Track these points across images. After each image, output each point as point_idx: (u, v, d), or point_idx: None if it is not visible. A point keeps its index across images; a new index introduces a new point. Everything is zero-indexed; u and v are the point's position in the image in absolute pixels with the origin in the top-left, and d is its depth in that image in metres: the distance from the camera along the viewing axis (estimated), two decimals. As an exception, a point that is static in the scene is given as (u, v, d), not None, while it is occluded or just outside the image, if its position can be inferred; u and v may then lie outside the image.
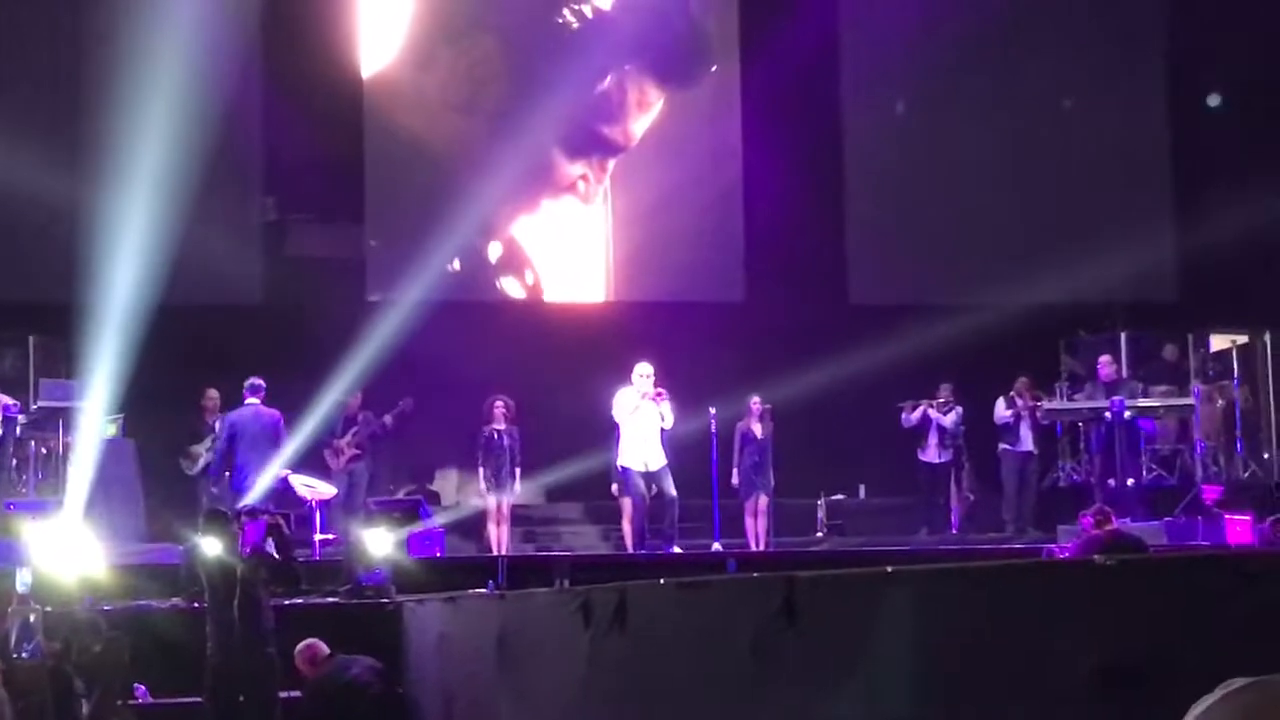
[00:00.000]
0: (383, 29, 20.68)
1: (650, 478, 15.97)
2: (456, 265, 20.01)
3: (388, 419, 17.52)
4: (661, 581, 7.09)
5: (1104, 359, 17.82)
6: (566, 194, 20.83)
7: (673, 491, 15.95)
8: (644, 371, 16.03)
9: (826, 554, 16.49)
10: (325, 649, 10.98)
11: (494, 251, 20.64)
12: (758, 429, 16.92)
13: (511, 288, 20.81)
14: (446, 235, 19.63)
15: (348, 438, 17.42)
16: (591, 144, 20.85)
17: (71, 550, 13.20)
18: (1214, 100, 20.29)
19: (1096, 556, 4.00)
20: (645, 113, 20.95)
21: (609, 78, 20.80)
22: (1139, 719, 3.91)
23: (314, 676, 10.68)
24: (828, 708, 5.37)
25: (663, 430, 15.99)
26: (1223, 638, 3.78)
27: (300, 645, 11.04)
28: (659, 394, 15.89)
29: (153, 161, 17.69)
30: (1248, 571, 3.86)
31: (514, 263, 20.76)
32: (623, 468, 16.10)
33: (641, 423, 15.93)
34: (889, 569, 5.11)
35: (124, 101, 18.42)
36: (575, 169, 20.80)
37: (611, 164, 20.90)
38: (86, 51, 19.31)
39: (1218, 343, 18.73)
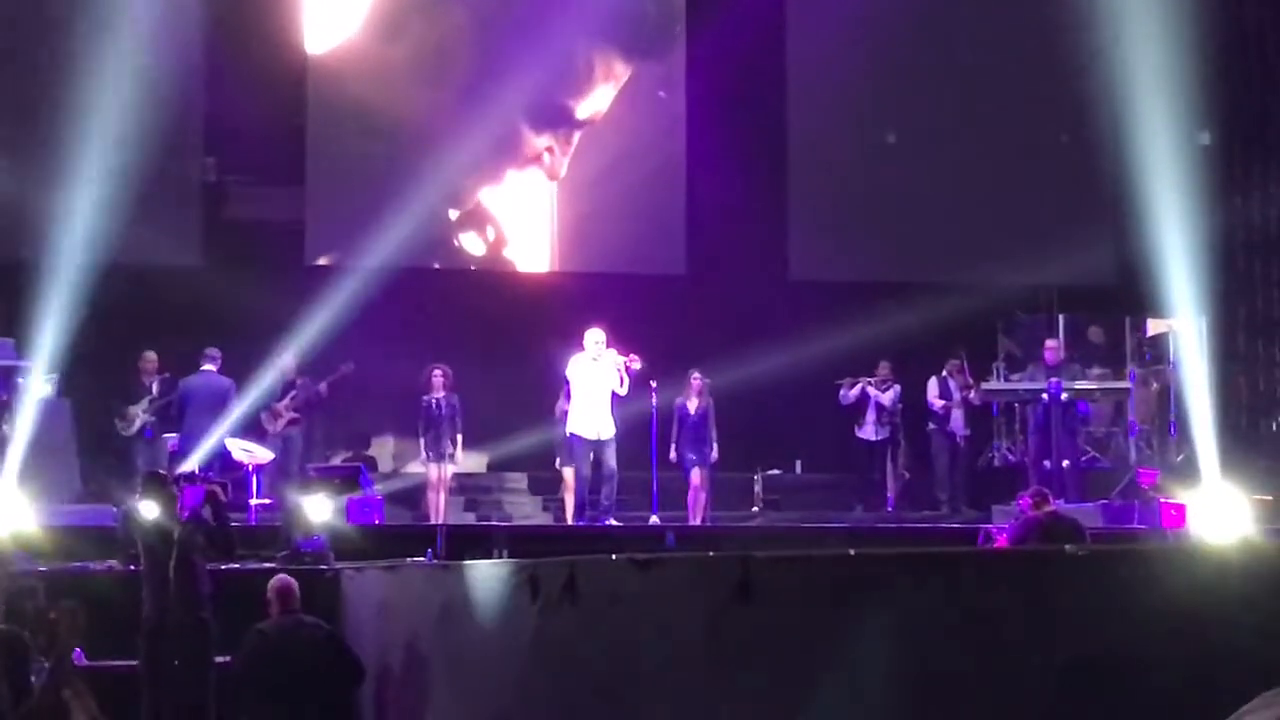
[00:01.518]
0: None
1: (597, 447, 15.90)
2: (399, 232, 19.87)
3: (323, 386, 17.41)
4: (613, 557, 7.09)
5: (1050, 342, 17.93)
6: (532, 165, 20.75)
7: (613, 465, 15.96)
8: (595, 338, 15.97)
9: (763, 529, 16.57)
10: (295, 591, 10.77)
11: (452, 216, 20.53)
12: (695, 403, 16.94)
13: (469, 248, 20.71)
14: (391, 202, 19.52)
15: (285, 401, 17.32)
16: (558, 117, 20.78)
17: (5, 510, 13.09)
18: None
19: (1068, 546, 4.02)
20: (612, 85, 20.89)
21: (577, 51, 20.71)
22: (1103, 710, 3.96)
23: (274, 617, 10.52)
24: (782, 688, 5.39)
25: (615, 395, 15.93)
26: (1189, 628, 3.82)
27: (277, 579, 10.85)
28: (631, 359, 15.85)
29: (95, 120, 17.51)
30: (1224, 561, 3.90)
31: (472, 226, 20.68)
32: (571, 434, 16.04)
33: (594, 389, 15.88)
34: (850, 551, 5.13)
35: (66, 60, 18.22)
36: (541, 141, 20.73)
37: (577, 136, 20.83)
38: (30, 9, 19.04)
39: (1154, 327, 18.87)
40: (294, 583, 10.70)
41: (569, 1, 20.48)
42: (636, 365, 15.89)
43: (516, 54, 20.10)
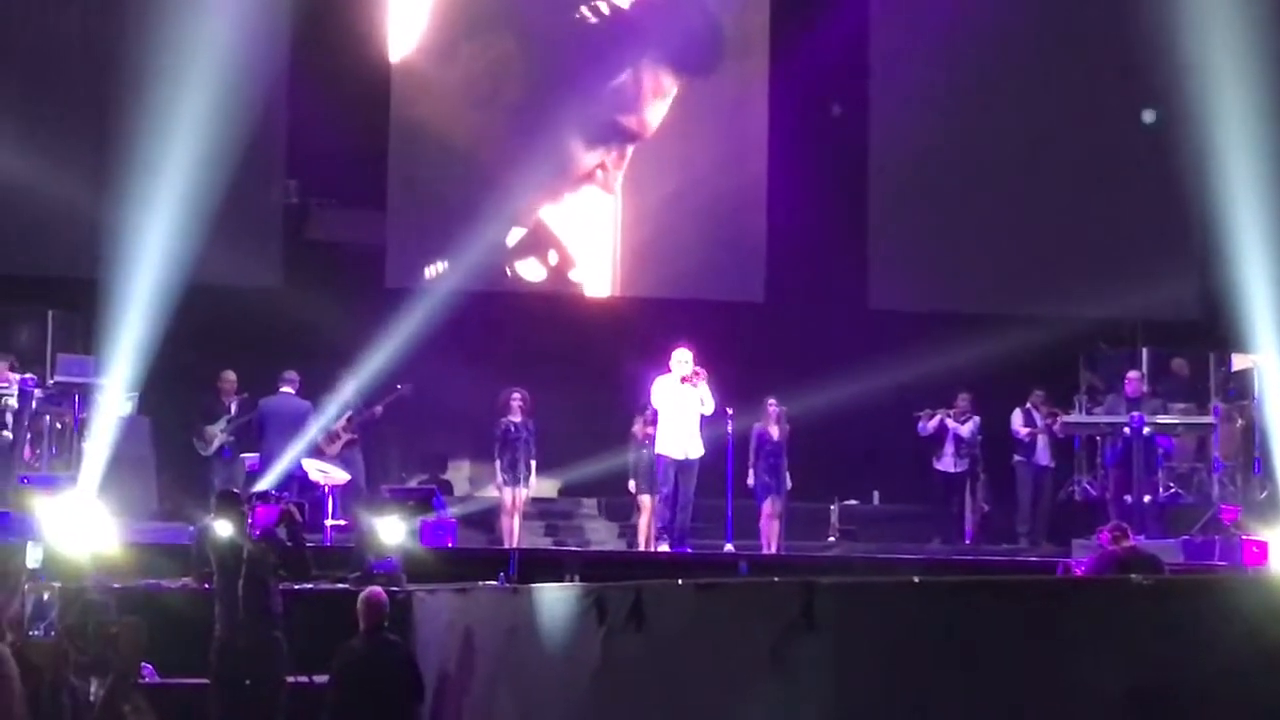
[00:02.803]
0: (409, 19, 20.62)
1: (680, 470, 15.78)
2: (476, 255, 19.94)
3: (378, 408, 17.33)
4: (679, 582, 7.03)
5: (1132, 375, 17.73)
6: (586, 183, 20.78)
7: (690, 491, 15.84)
8: (682, 357, 15.86)
9: (838, 559, 16.44)
10: (385, 608, 10.80)
11: (514, 238, 20.57)
12: (774, 431, 16.86)
13: (532, 272, 20.75)
14: (467, 224, 19.61)
15: (341, 423, 17.26)
16: (609, 133, 20.81)
17: (84, 527, 13.18)
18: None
19: (1133, 575, 3.94)
20: (661, 100, 20.89)
21: (625, 68, 20.76)
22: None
23: (362, 632, 10.58)
24: (846, 716, 5.32)
25: (703, 417, 15.83)
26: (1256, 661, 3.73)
27: (370, 593, 10.89)
28: (697, 373, 15.71)
29: (178, 140, 17.67)
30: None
31: (535, 249, 20.71)
32: (658, 455, 15.96)
33: (681, 410, 15.77)
34: (915, 579, 5.05)
35: (151, 81, 18.38)
36: (593, 157, 20.76)
37: (630, 150, 20.85)
38: (116, 31, 19.24)
39: (1239, 362, 18.59)
40: (384, 599, 10.76)
41: (618, 23, 20.54)
42: (699, 380, 15.73)
43: (571, 72, 20.20)
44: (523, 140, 20.14)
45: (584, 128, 20.63)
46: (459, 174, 20.39)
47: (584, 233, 20.81)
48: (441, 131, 20.47)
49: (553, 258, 20.77)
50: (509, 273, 20.60)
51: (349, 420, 17.25)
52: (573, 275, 20.86)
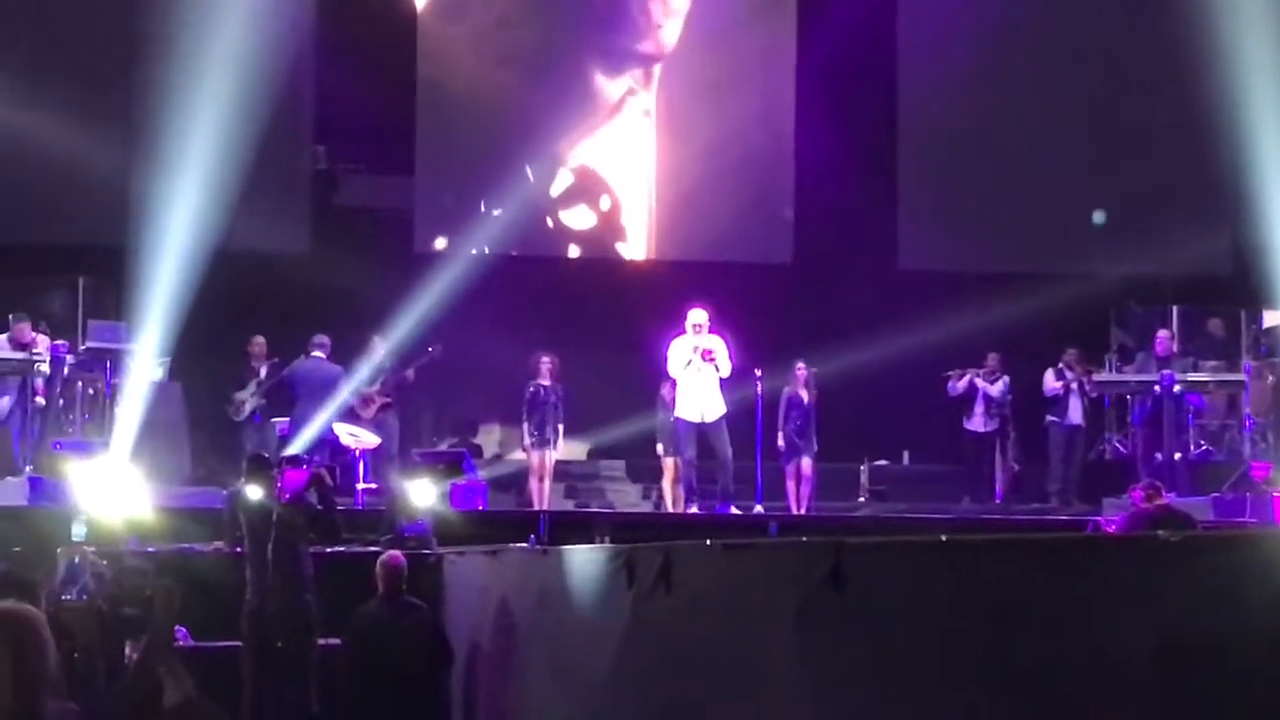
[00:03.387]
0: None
1: (705, 431, 15.77)
2: (491, 212, 20.00)
3: (410, 371, 17.37)
4: (708, 543, 7.05)
5: (1162, 333, 17.66)
6: (618, 113, 20.74)
7: (728, 452, 15.82)
8: (696, 320, 15.85)
9: (868, 519, 16.44)
10: (403, 571, 10.85)
11: (557, 188, 20.59)
12: (803, 393, 16.85)
13: (581, 220, 20.75)
14: (496, 186, 19.64)
15: (376, 386, 17.32)
16: (628, 59, 20.79)
17: (117, 492, 13.25)
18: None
19: (1159, 532, 3.93)
20: (674, 18, 20.82)
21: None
22: (1200, 696, 3.86)
23: (380, 597, 10.61)
24: (873, 676, 5.33)
25: (722, 380, 15.84)
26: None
27: (388, 557, 10.93)
28: (707, 353, 15.69)
29: (206, 107, 17.68)
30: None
31: (583, 197, 20.73)
32: (676, 419, 15.96)
33: (696, 373, 15.79)
34: (943, 538, 5.05)
35: (179, 49, 18.40)
36: (619, 85, 20.74)
37: (656, 70, 20.80)
38: (143, -1, 19.30)
39: (1270, 318, 18.50)
40: (402, 563, 10.79)
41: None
42: (712, 360, 15.72)
43: (573, 11, 20.42)
44: (546, 88, 20.26)
45: (603, 59, 20.62)
46: (487, 137, 20.40)
47: (622, 193, 20.81)
48: (468, 94, 20.48)
49: (604, 203, 20.76)
50: (551, 224, 20.60)
51: (383, 384, 17.29)
52: (611, 233, 20.84)
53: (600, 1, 20.79)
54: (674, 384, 16.16)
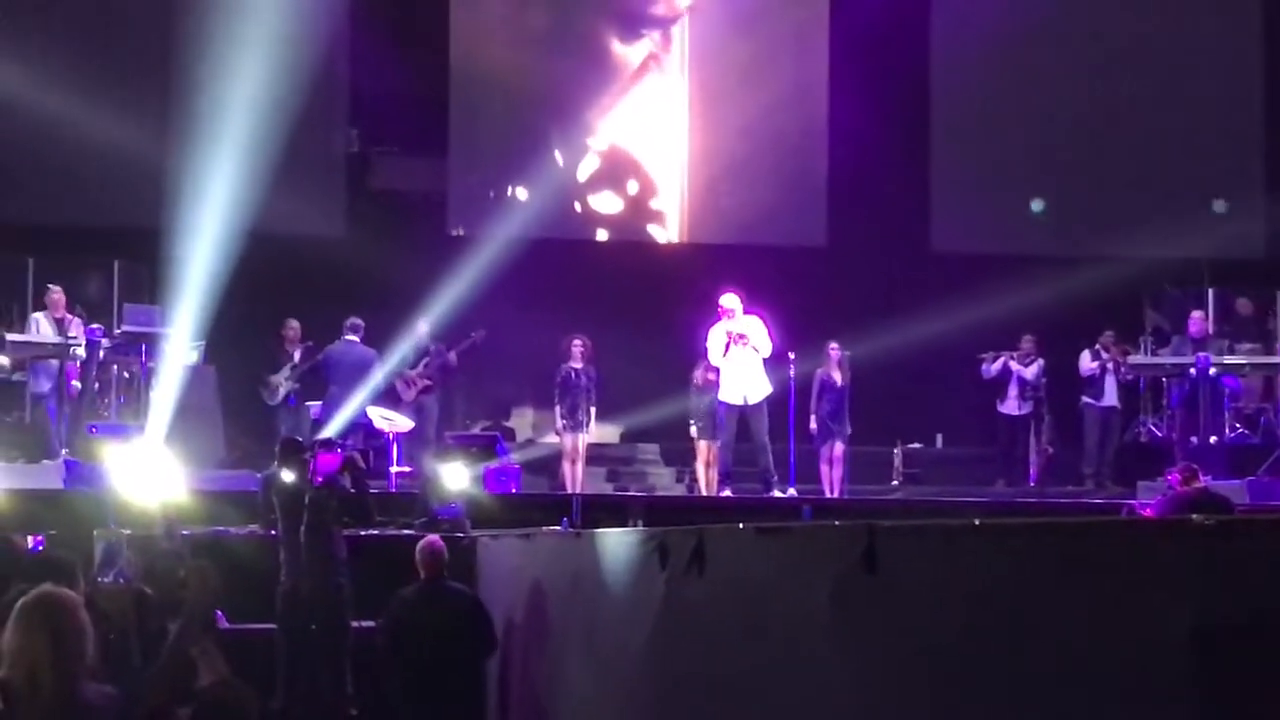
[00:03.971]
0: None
1: (746, 414, 15.83)
2: (524, 195, 20.03)
3: (453, 355, 17.44)
4: (740, 526, 7.03)
5: (1196, 314, 17.57)
6: (642, 78, 20.71)
7: (764, 436, 15.87)
8: (728, 304, 15.89)
9: (901, 502, 16.44)
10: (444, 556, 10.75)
11: (586, 171, 20.60)
12: (836, 376, 16.82)
13: (608, 205, 20.75)
14: (529, 169, 19.68)
15: (419, 368, 17.41)
16: (642, 23, 20.78)
17: (152, 475, 13.30)
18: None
19: (1195, 516, 3.91)
20: None
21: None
22: (1237, 681, 3.85)
23: (420, 581, 10.54)
24: (906, 659, 5.31)
25: (766, 359, 15.88)
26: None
27: (427, 542, 10.84)
28: (742, 336, 15.74)
29: (241, 91, 17.73)
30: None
31: (612, 181, 20.73)
32: (719, 402, 16.00)
33: (736, 357, 15.84)
34: (976, 521, 5.03)
35: (213, 32, 18.45)
36: (639, 50, 20.73)
37: (676, 32, 20.78)
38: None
39: (1305, 302, 18.42)
40: (442, 548, 10.69)
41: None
42: (746, 341, 15.75)
43: None
44: (567, 62, 20.43)
45: (618, 24, 20.63)
46: (520, 119, 20.42)
47: (653, 171, 20.81)
48: (501, 76, 20.51)
49: (632, 187, 20.76)
50: (580, 208, 20.63)
51: (425, 366, 17.36)
52: (641, 215, 20.84)
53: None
54: (708, 367, 16.18)
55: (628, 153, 20.78)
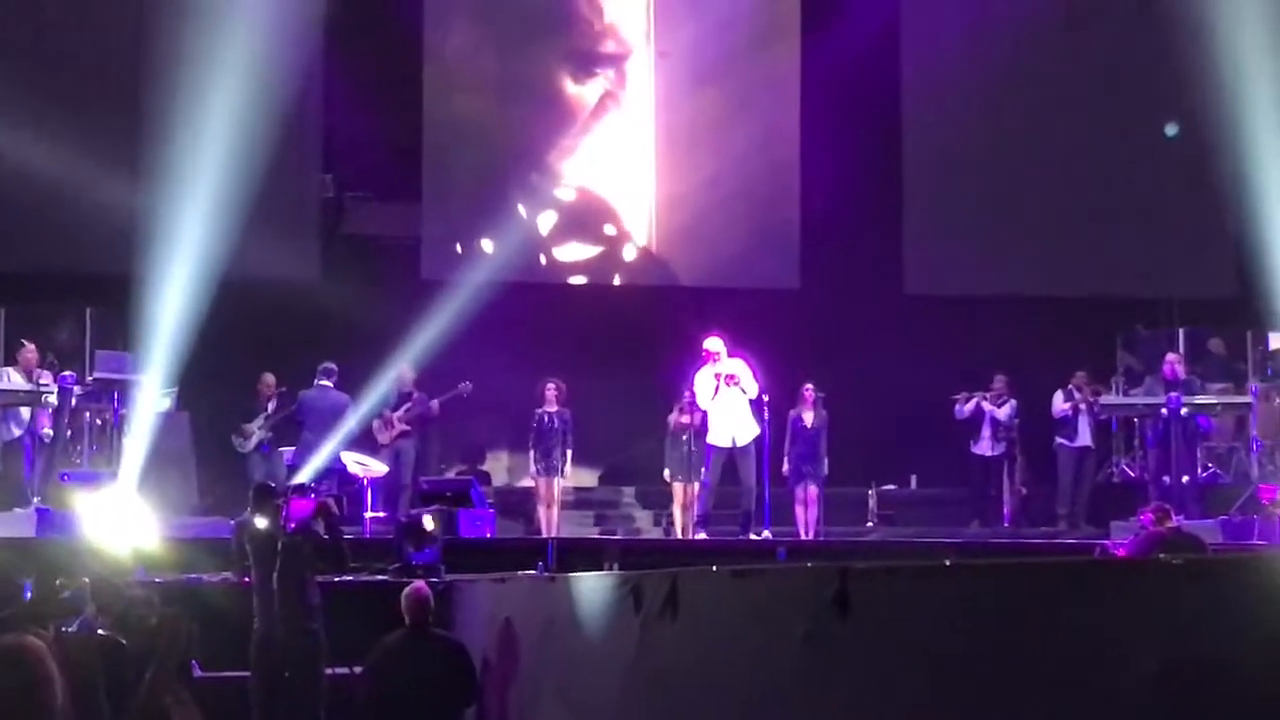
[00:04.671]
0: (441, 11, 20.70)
1: (734, 456, 15.87)
2: (497, 240, 20.05)
3: (435, 403, 17.49)
4: (714, 569, 7.04)
5: (1171, 357, 17.62)
6: (600, 117, 20.76)
7: (751, 479, 15.89)
8: (714, 346, 15.93)
9: (877, 544, 16.44)
10: (429, 603, 10.67)
11: (550, 221, 20.63)
12: (809, 417, 16.85)
13: (578, 252, 20.77)
14: (502, 214, 19.71)
15: (400, 412, 17.43)
16: (595, 61, 20.84)
17: (124, 522, 13.27)
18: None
19: (1162, 555, 3.94)
20: (630, 14, 20.90)
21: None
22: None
23: (404, 628, 10.49)
24: (881, 701, 5.32)
25: (754, 401, 15.90)
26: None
27: (412, 588, 10.76)
28: (731, 377, 15.79)
29: (214, 136, 17.75)
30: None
31: (581, 227, 20.75)
32: (707, 445, 16.03)
33: (724, 400, 15.87)
34: (946, 562, 5.05)
35: (187, 78, 18.47)
36: (595, 88, 20.77)
37: (632, 69, 20.85)
38: (149, 24, 19.35)
39: (1276, 340, 18.50)
40: (428, 594, 10.64)
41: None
42: (735, 382, 15.79)
43: (530, 29, 20.63)
44: (527, 106, 20.52)
45: (571, 65, 20.70)
46: (493, 164, 20.46)
47: (622, 217, 20.83)
48: (474, 121, 20.55)
49: (603, 230, 20.79)
50: (551, 253, 20.64)
51: (406, 410, 17.38)
52: (627, 247, 20.85)
53: (553, 8, 20.89)
54: (685, 409, 16.19)
55: (598, 195, 20.80)
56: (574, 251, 20.79)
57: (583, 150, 20.74)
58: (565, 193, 20.73)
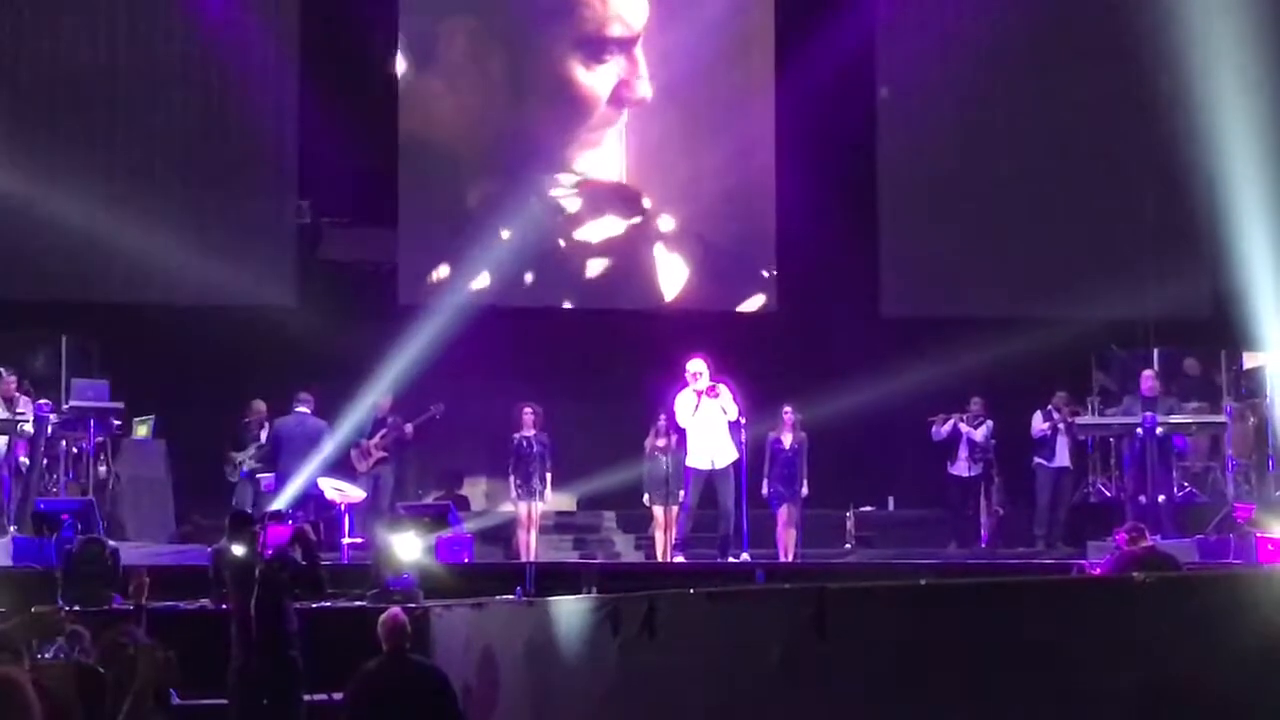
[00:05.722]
0: (415, 35, 20.70)
1: (713, 479, 15.85)
2: (473, 264, 20.02)
3: (409, 427, 17.50)
4: (691, 591, 7.06)
5: (1147, 374, 17.70)
6: (620, 107, 20.74)
7: (729, 502, 15.86)
8: (696, 368, 15.95)
9: (855, 565, 16.47)
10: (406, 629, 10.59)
11: (534, 237, 20.58)
12: (788, 439, 16.87)
13: (560, 269, 20.76)
14: (480, 240, 19.71)
15: (376, 439, 17.45)
16: (605, 47, 20.82)
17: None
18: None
19: (1135, 574, 3.96)
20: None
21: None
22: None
23: (382, 655, 10.41)
24: (858, 721, 5.34)
25: (733, 424, 15.89)
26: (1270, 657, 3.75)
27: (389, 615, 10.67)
28: (711, 389, 15.78)
29: (189, 163, 17.76)
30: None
31: (563, 258, 20.74)
32: (687, 468, 16.02)
33: (703, 420, 15.85)
34: (922, 582, 5.07)
35: (161, 104, 18.48)
36: (609, 73, 20.74)
37: (638, 50, 20.76)
38: (124, 53, 19.36)
39: (1250, 360, 18.58)
40: (405, 621, 10.54)
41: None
42: (716, 395, 15.79)
43: (534, 23, 20.57)
44: (533, 101, 20.52)
45: (582, 59, 20.63)
46: (470, 189, 20.45)
47: (602, 247, 20.81)
48: (450, 146, 20.55)
49: (580, 252, 20.75)
50: (531, 276, 20.59)
51: (382, 437, 17.38)
52: (596, 287, 20.82)
53: (532, 41, 20.78)
54: (663, 431, 16.20)
55: (577, 217, 20.79)
56: (556, 268, 20.76)
57: (560, 172, 20.74)
58: (544, 211, 20.68)
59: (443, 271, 20.17)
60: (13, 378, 15.86)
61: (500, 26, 20.81)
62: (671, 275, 20.86)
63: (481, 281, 20.02)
